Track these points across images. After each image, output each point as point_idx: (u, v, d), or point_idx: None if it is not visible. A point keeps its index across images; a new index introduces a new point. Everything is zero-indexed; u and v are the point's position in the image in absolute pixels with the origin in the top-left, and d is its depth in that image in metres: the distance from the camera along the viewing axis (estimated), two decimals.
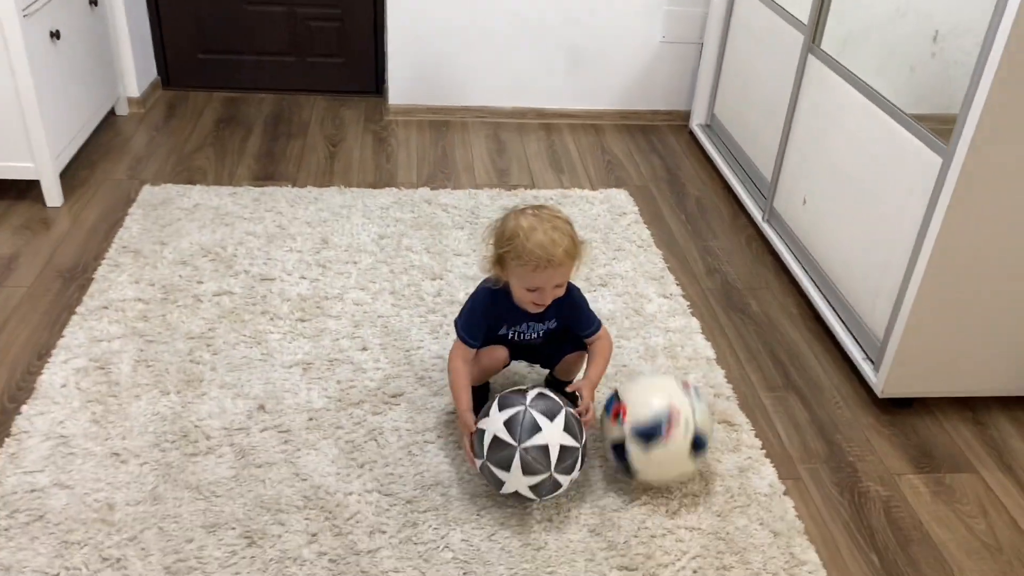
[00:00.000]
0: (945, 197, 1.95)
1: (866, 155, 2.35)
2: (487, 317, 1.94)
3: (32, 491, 1.84)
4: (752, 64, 3.23)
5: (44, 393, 2.10)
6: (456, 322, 1.97)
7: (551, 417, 1.77)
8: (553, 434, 1.75)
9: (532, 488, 1.76)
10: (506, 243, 1.81)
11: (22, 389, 2.13)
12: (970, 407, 2.30)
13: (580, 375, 2.07)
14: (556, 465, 1.75)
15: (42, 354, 2.25)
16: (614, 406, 1.89)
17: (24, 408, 2.05)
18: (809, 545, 1.85)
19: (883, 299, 2.25)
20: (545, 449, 1.74)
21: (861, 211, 2.38)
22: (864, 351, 2.33)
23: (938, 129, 2.04)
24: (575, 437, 1.78)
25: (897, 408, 2.28)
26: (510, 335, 2.01)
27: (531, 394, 1.81)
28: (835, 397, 2.31)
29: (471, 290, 2.53)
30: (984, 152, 1.88)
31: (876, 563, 1.84)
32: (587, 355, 2.03)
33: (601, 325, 2.01)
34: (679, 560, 1.79)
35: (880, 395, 2.24)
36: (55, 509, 1.80)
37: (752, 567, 1.79)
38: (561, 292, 1.89)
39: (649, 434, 1.81)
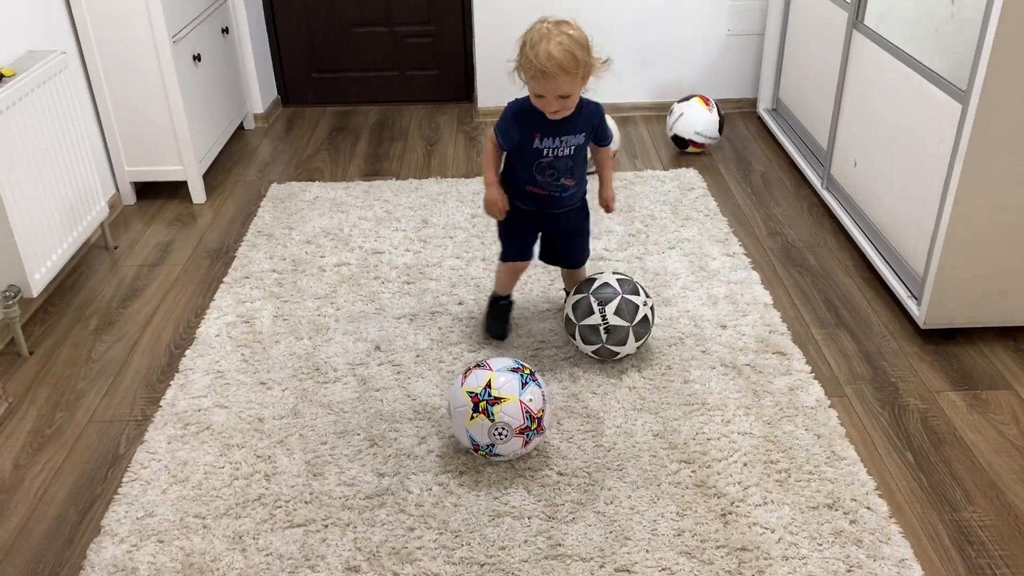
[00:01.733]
0: (964, 137, 2.20)
1: (901, 113, 2.61)
2: (518, 123, 2.17)
3: (199, 410, 2.29)
4: (808, 47, 3.50)
5: (202, 341, 2.57)
6: (495, 126, 2.22)
7: (637, 293, 2.33)
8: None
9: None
10: (522, 53, 2.04)
11: (184, 339, 2.60)
12: (1012, 336, 2.50)
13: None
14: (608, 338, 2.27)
15: (198, 313, 2.72)
16: None
17: (187, 352, 2.52)
18: (849, 445, 2.11)
19: (921, 240, 2.49)
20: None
21: (900, 163, 2.63)
22: (909, 289, 2.57)
23: (957, 79, 2.29)
24: (623, 318, 2.27)
25: (941, 339, 2.50)
26: (544, 151, 2.19)
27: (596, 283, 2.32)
28: (883, 332, 2.56)
29: None
30: (996, 94, 2.12)
31: (911, 460, 2.09)
32: (598, 163, 2.37)
33: (611, 136, 2.35)
34: (731, 456, 2.08)
35: (923, 326, 2.47)
36: (218, 422, 2.24)
37: (796, 460, 2.06)
38: (568, 104, 2.09)
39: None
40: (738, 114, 4.22)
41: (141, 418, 2.29)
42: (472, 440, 2.00)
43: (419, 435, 2.18)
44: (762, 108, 4.05)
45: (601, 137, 2.32)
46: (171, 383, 2.40)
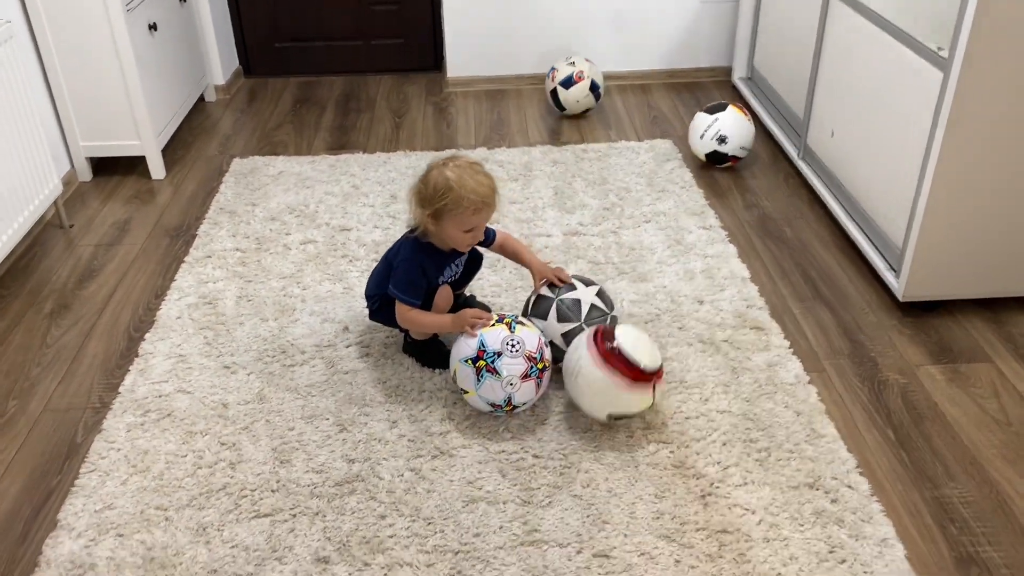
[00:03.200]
0: (946, 106, 2.14)
1: (880, 81, 2.55)
2: (426, 272, 2.12)
3: (160, 396, 2.20)
4: (784, 14, 3.42)
5: (163, 324, 2.47)
6: (393, 290, 2.11)
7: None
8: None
9: (564, 336, 2.14)
10: (441, 197, 1.99)
11: (144, 322, 2.50)
12: (990, 308, 2.47)
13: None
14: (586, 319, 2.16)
15: (159, 294, 2.62)
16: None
17: (147, 336, 2.42)
18: (829, 422, 2.07)
19: (900, 210, 2.44)
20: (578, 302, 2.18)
21: (879, 133, 2.57)
22: (887, 261, 2.53)
23: (938, 46, 2.24)
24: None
25: (921, 311, 2.47)
26: (442, 280, 2.19)
27: (585, 310, 2.18)
28: (861, 305, 2.52)
29: (524, 232, 2.81)
30: (978, 61, 2.07)
31: (891, 436, 2.05)
32: (515, 253, 2.29)
33: (495, 231, 2.27)
34: (710, 436, 2.04)
35: (902, 299, 2.43)
36: (180, 409, 2.15)
37: (776, 439, 2.02)
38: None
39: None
40: (712, 83, 4.15)
41: (99, 405, 2.20)
42: (490, 403, 2.02)
43: (390, 419, 2.11)
44: (737, 77, 3.99)
45: (485, 241, 2.24)
46: (130, 368, 2.30)
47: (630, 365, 1.93)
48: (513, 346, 1.98)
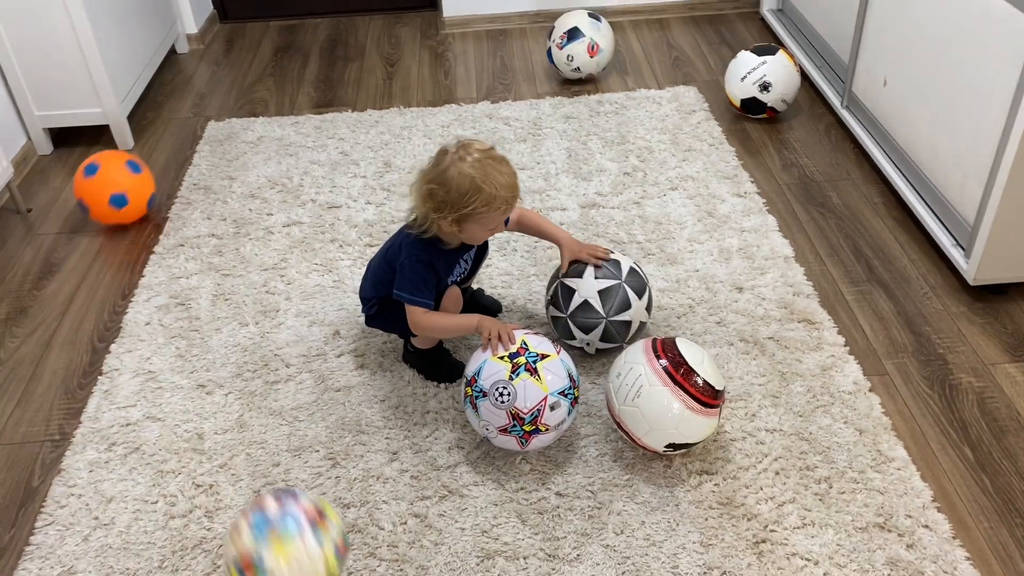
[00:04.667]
0: None
1: (951, 25, 2.18)
2: (436, 270, 1.83)
3: (127, 424, 1.92)
4: None
5: (130, 332, 2.18)
6: (401, 294, 1.81)
7: (640, 295, 1.92)
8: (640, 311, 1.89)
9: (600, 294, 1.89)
10: (468, 201, 1.68)
11: (109, 329, 2.21)
12: None
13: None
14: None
15: (125, 294, 2.32)
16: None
17: (113, 347, 2.14)
18: (897, 441, 1.79)
19: (973, 180, 2.11)
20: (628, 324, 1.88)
21: (947, 87, 2.22)
22: (953, 237, 2.21)
23: None
24: (613, 340, 1.94)
25: (991, 295, 2.16)
26: (451, 280, 1.90)
27: (625, 269, 1.90)
28: (923, 288, 2.21)
29: (536, 205, 2.50)
30: None
31: (969, 456, 1.77)
32: (538, 229, 2.00)
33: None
34: (760, 463, 1.76)
35: (972, 282, 2.12)
36: (149, 441, 1.88)
37: (837, 466, 1.74)
38: None
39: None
40: (737, 16, 3.74)
41: (59, 437, 1.92)
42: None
43: (389, 449, 1.83)
44: (766, 9, 3.57)
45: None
46: (94, 389, 2.02)
47: (704, 387, 1.64)
48: (500, 395, 1.64)
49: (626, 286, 1.91)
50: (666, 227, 2.43)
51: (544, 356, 1.67)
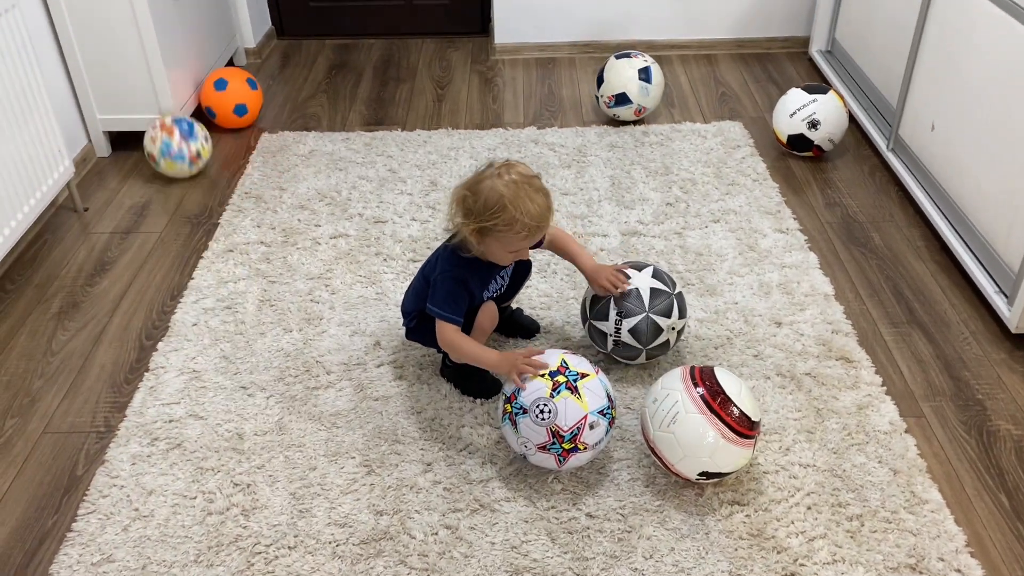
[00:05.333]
0: None
1: (1002, 73, 2.19)
2: (468, 286, 1.87)
3: (170, 421, 1.97)
4: None
5: (177, 331, 2.24)
6: (432, 307, 1.85)
7: (667, 314, 1.96)
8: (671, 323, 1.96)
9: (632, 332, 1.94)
10: (492, 215, 1.73)
11: (157, 328, 2.27)
12: None
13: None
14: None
15: (174, 295, 2.39)
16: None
17: (160, 345, 2.19)
18: (932, 484, 1.78)
19: (1019, 227, 2.10)
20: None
21: (996, 134, 2.22)
22: (997, 284, 2.20)
23: None
24: (638, 341, 1.96)
25: None
26: (487, 295, 1.95)
27: (646, 297, 1.94)
28: (963, 333, 2.20)
29: (578, 230, 2.53)
30: None
31: (1005, 504, 1.76)
32: (568, 253, 2.02)
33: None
34: (792, 496, 1.76)
35: (1015, 330, 2.11)
36: (191, 438, 1.93)
37: (870, 505, 1.74)
38: None
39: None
40: (785, 55, 3.77)
41: (104, 429, 1.98)
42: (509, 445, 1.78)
43: (424, 460, 1.86)
44: (815, 50, 3.59)
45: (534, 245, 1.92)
46: (140, 384, 2.08)
47: (740, 417, 1.65)
48: (541, 412, 1.66)
49: (651, 316, 1.94)
50: (707, 258, 2.45)
51: (584, 375, 1.69)
